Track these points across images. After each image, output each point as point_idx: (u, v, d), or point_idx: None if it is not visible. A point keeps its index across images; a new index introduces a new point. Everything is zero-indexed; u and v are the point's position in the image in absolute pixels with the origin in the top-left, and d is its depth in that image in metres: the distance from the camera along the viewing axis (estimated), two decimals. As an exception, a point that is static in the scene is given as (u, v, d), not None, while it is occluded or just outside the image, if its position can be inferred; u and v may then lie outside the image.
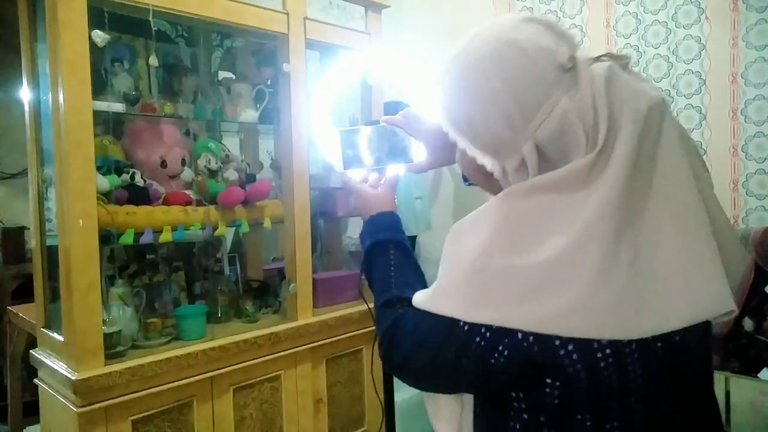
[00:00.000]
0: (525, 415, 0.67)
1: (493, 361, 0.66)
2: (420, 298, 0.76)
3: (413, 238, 2.79)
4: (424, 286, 0.87)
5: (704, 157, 2.35)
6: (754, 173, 2.16)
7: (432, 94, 0.79)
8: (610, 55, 0.69)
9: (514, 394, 0.67)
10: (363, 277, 0.98)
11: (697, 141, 2.27)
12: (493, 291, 0.66)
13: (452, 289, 0.71)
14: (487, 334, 0.66)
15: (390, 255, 0.92)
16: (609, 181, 0.63)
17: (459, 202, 3.04)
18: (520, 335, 0.64)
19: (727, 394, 1.74)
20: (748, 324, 1.91)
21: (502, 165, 0.71)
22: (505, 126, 0.68)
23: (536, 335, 0.63)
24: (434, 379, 0.76)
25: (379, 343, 0.84)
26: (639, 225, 0.64)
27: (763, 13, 2.11)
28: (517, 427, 0.67)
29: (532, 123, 0.67)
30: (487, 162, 0.73)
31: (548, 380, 0.64)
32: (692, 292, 0.64)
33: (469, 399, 0.77)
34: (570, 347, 0.62)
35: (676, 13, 2.30)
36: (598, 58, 0.68)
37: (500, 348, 0.65)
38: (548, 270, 0.62)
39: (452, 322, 0.69)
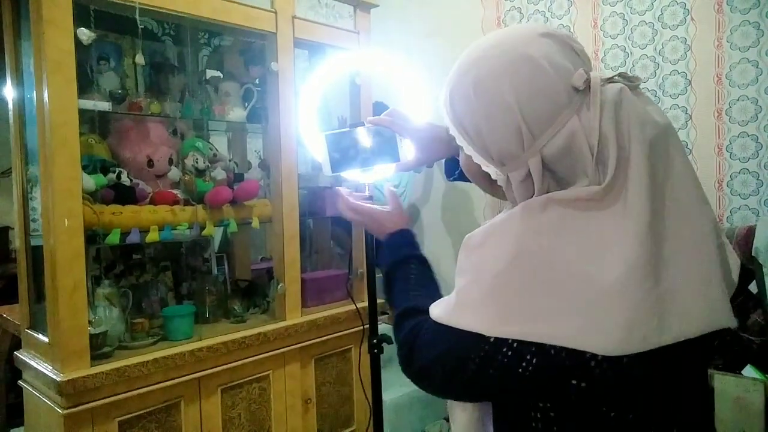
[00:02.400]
0: (548, 413, 0.68)
1: (520, 370, 0.66)
2: (439, 312, 0.76)
3: None
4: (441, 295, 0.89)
5: (690, 157, 2.37)
6: (738, 173, 2.18)
7: (439, 94, 0.78)
8: (622, 76, 0.69)
9: (537, 396, 0.68)
10: (359, 277, 0.98)
11: (683, 141, 2.29)
12: (521, 305, 0.66)
13: (475, 303, 0.70)
14: (515, 345, 0.66)
15: (411, 268, 0.93)
16: (636, 208, 0.64)
17: (448, 201, 3.05)
18: (550, 348, 0.64)
19: (712, 390, 1.77)
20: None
21: (507, 175, 0.72)
22: (513, 140, 0.69)
23: (568, 348, 0.64)
24: (455, 388, 0.76)
25: (398, 352, 0.84)
26: (664, 246, 0.65)
27: (746, 15, 2.13)
28: (539, 420, 0.68)
29: (540, 139, 0.68)
30: (492, 171, 0.74)
31: (573, 381, 0.64)
32: (704, 307, 0.66)
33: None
34: (600, 357, 0.63)
35: (662, 14, 2.32)
36: (610, 79, 0.69)
37: (528, 357, 0.65)
38: (584, 289, 0.63)
39: (476, 336, 0.68)
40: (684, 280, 0.65)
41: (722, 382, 1.77)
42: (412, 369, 0.80)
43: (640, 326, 0.62)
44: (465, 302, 0.71)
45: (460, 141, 0.76)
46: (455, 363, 0.71)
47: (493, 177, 0.74)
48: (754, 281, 1.87)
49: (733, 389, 1.76)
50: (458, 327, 0.71)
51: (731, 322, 0.68)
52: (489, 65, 0.71)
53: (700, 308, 0.65)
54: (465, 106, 0.73)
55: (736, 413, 1.74)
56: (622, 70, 2.42)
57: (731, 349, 1.88)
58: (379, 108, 2.37)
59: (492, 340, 0.67)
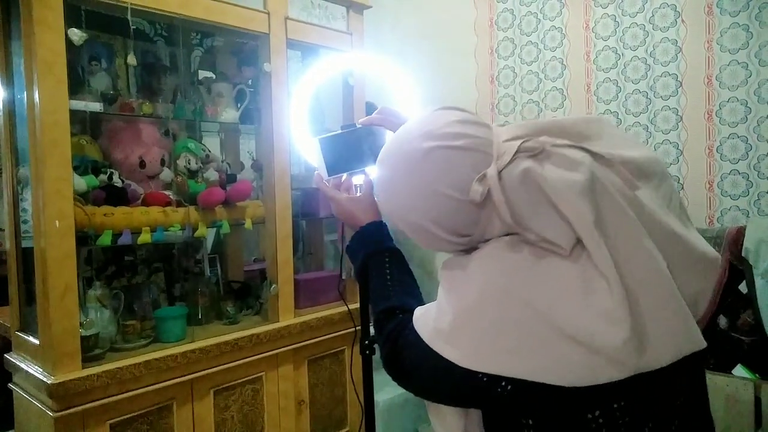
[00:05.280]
0: (535, 420, 0.68)
1: (499, 390, 0.67)
2: (419, 326, 0.77)
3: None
4: (420, 292, 0.91)
5: (680, 158, 2.36)
6: (729, 174, 2.20)
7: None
8: (525, 145, 0.69)
9: (519, 412, 0.69)
10: (345, 278, 0.99)
11: (674, 142, 2.31)
12: (489, 342, 0.67)
13: (448, 333, 0.71)
14: (485, 378, 0.67)
15: (386, 264, 0.93)
16: (600, 262, 0.65)
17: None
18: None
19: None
20: (722, 322, 1.95)
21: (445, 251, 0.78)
22: (448, 244, 0.76)
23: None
24: (436, 396, 0.78)
25: (380, 351, 0.85)
26: (631, 284, 0.66)
27: (736, 17, 2.15)
28: (531, 427, 0.69)
29: (475, 235, 0.74)
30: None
31: (551, 401, 0.66)
32: (675, 335, 0.68)
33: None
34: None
35: (653, 16, 2.34)
36: (512, 159, 0.69)
37: (503, 384, 0.67)
38: (551, 330, 0.65)
39: (451, 362, 0.70)
40: (652, 319, 0.66)
41: (713, 382, 1.79)
42: (393, 370, 0.82)
43: (605, 367, 0.64)
44: (440, 328, 0.73)
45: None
46: (434, 377, 0.73)
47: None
48: (744, 281, 1.88)
49: (723, 388, 1.77)
50: (435, 350, 0.72)
51: (700, 345, 0.69)
52: (399, 188, 0.75)
53: (667, 343, 0.67)
54: (396, 211, 0.78)
55: (726, 412, 1.76)
56: (613, 71, 2.44)
57: (722, 348, 1.89)
58: (371, 108, 2.37)
59: (465, 368, 0.69)
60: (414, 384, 0.79)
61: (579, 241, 0.66)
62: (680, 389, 0.71)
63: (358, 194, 1.04)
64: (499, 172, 0.69)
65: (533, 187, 0.67)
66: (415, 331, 0.76)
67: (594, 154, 0.69)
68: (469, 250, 0.76)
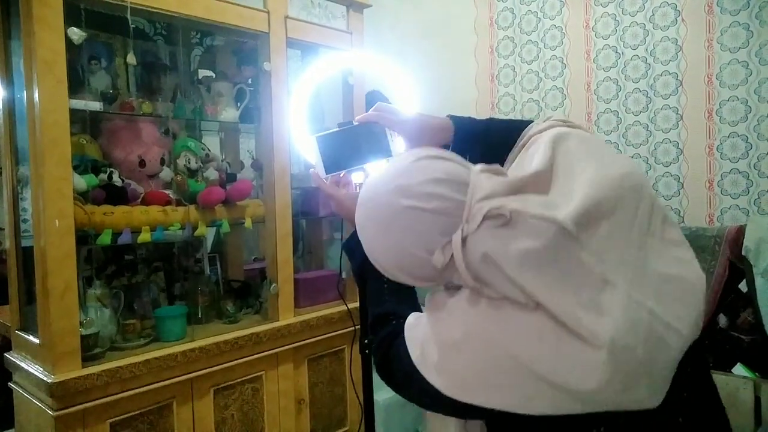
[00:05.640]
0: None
1: (484, 412, 0.71)
2: (410, 343, 0.78)
3: None
4: (416, 295, 0.92)
5: (681, 157, 2.35)
6: (729, 173, 2.20)
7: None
8: (491, 212, 0.69)
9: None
10: (345, 277, 1.00)
11: (674, 141, 2.31)
12: (471, 378, 0.71)
13: (434, 363, 0.74)
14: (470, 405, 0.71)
15: None
16: (570, 325, 0.67)
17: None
18: None
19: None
20: (722, 321, 1.95)
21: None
22: (416, 283, 0.78)
23: None
24: (428, 407, 0.80)
25: (374, 356, 0.87)
26: (612, 334, 0.67)
27: (736, 16, 2.15)
28: None
29: (438, 281, 0.76)
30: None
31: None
32: (661, 380, 0.71)
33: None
34: None
35: (653, 15, 2.34)
36: (480, 225, 0.69)
37: (487, 409, 0.70)
38: (525, 373, 0.67)
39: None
40: (633, 371, 0.68)
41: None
42: (385, 377, 0.84)
43: (581, 405, 0.67)
44: (427, 357, 0.75)
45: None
46: (421, 394, 0.76)
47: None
48: (744, 280, 1.88)
49: (723, 387, 1.77)
50: (421, 373, 0.75)
51: (651, 404, 0.69)
52: (370, 242, 0.77)
53: (622, 401, 0.68)
54: (375, 264, 0.80)
55: (726, 411, 1.76)
56: (613, 70, 2.43)
57: (721, 347, 1.89)
58: (373, 97, 2.36)
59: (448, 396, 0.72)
60: (404, 394, 0.82)
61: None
62: (683, 383, 0.72)
63: (358, 191, 1.04)
64: (464, 238, 0.69)
65: (492, 267, 0.68)
66: (405, 344, 0.78)
67: (561, 228, 0.67)
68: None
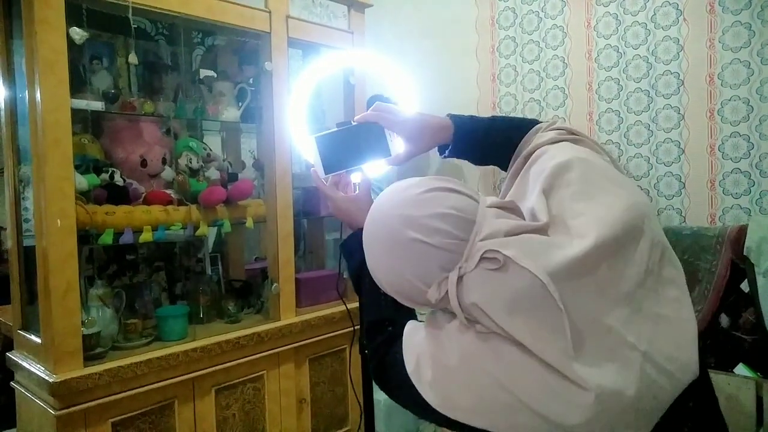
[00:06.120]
0: None
1: (476, 428, 0.72)
2: (406, 355, 0.79)
3: None
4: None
5: (682, 157, 2.35)
6: (731, 172, 2.20)
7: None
8: (488, 253, 0.69)
9: None
10: (346, 277, 1.00)
11: (675, 141, 2.31)
12: (463, 399, 0.72)
13: (429, 380, 0.75)
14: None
15: None
16: (547, 357, 0.68)
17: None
18: None
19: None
20: (724, 320, 1.95)
21: None
22: (412, 305, 0.79)
23: None
24: (420, 416, 0.82)
25: (369, 361, 0.88)
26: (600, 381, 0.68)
27: (738, 16, 2.15)
28: None
29: (434, 306, 0.76)
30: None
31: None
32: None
33: None
34: None
35: (655, 14, 2.33)
36: (478, 264, 0.69)
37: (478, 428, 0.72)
38: (535, 407, 0.68)
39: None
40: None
41: (714, 381, 1.78)
42: (380, 384, 0.85)
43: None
44: (421, 376, 0.76)
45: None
46: (415, 405, 0.77)
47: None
48: (746, 280, 1.88)
49: (724, 387, 1.77)
50: (416, 387, 0.76)
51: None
52: (372, 263, 0.78)
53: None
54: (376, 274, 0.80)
55: (727, 411, 1.75)
56: (615, 69, 2.43)
57: (723, 347, 1.89)
58: (375, 101, 2.36)
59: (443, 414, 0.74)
60: (399, 401, 0.83)
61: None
62: (692, 392, 0.72)
63: (356, 192, 1.04)
64: (460, 276, 0.70)
65: (482, 313, 0.69)
66: (402, 353, 0.79)
67: (551, 273, 0.68)
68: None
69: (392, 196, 0.77)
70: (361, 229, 0.98)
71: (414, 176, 0.80)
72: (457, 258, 0.70)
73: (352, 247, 0.98)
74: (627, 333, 0.68)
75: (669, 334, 0.71)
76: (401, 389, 0.78)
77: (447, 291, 0.70)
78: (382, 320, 0.87)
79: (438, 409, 0.73)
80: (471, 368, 0.71)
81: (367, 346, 0.89)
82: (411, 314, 0.87)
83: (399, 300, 0.78)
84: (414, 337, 0.80)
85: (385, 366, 0.82)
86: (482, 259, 0.68)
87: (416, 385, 0.76)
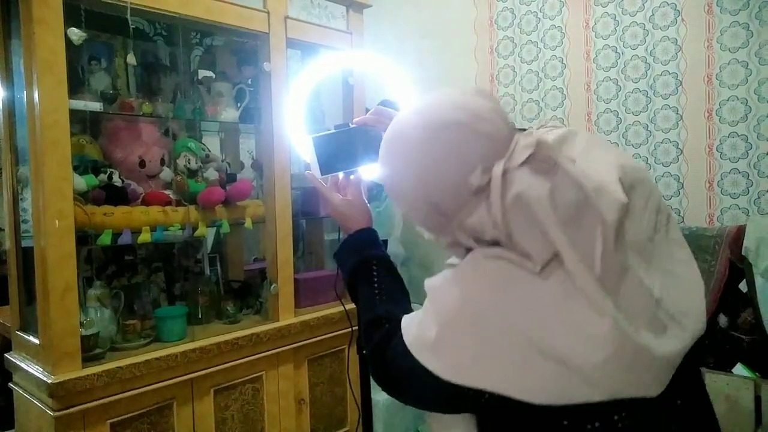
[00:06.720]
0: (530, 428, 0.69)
1: (483, 401, 0.68)
2: (408, 338, 0.77)
3: (384, 242, 2.78)
4: (410, 300, 0.91)
5: (680, 157, 2.36)
6: (729, 172, 2.20)
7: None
8: (536, 153, 0.69)
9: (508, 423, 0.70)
10: (346, 290, 0.99)
11: (674, 141, 2.31)
12: (468, 356, 0.69)
13: (431, 346, 0.72)
14: (470, 392, 0.69)
15: (373, 272, 0.93)
16: (581, 283, 0.65)
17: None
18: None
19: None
20: (722, 321, 1.95)
21: (437, 238, 0.79)
22: (430, 219, 0.76)
23: None
24: (427, 405, 0.79)
25: (369, 362, 0.85)
26: (619, 303, 0.66)
27: (736, 16, 2.15)
28: None
29: (454, 221, 0.73)
30: (423, 232, 0.79)
31: (548, 410, 0.66)
32: (623, 379, 0.67)
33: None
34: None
35: (653, 15, 2.34)
36: (524, 162, 0.68)
37: (486, 396, 0.68)
38: (525, 347, 0.65)
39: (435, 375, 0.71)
40: (637, 343, 0.65)
41: (713, 381, 1.79)
42: (383, 382, 0.82)
43: (581, 388, 0.65)
44: (424, 338, 0.73)
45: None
46: (422, 387, 0.74)
47: (426, 237, 0.80)
48: (744, 280, 1.88)
49: (723, 387, 1.77)
50: (419, 360, 0.73)
51: (654, 392, 0.68)
52: (402, 151, 0.75)
53: (626, 381, 0.66)
54: (389, 179, 0.79)
55: (726, 411, 1.76)
56: (613, 70, 2.44)
57: (722, 347, 1.89)
58: (383, 106, 2.36)
59: (448, 381, 0.70)
60: (405, 394, 0.80)
61: (555, 257, 0.66)
62: (678, 390, 0.71)
63: (350, 195, 1.03)
64: (504, 171, 0.68)
65: (522, 209, 0.67)
66: (403, 342, 0.77)
67: (594, 189, 0.68)
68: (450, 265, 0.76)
69: (437, 95, 0.77)
70: (354, 231, 0.99)
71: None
72: (500, 152, 0.70)
73: (345, 254, 0.98)
74: (643, 276, 0.68)
75: (679, 289, 0.71)
76: (405, 380, 0.76)
77: (490, 180, 0.68)
78: (378, 318, 0.86)
79: (443, 375, 0.69)
80: (478, 309, 0.68)
81: (365, 347, 0.87)
82: (407, 310, 0.86)
83: (420, 217, 0.76)
84: (414, 318, 0.78)
85: (386, 361, 0.80)
86: (530, 159, 0.68)
87: (418, 356, 0.72)
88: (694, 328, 0.70)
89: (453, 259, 0.79)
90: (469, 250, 0.74)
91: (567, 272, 0.65)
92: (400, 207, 0.80)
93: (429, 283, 0.76)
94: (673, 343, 0.68)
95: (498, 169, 0.68)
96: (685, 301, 0.71)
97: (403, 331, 0.78)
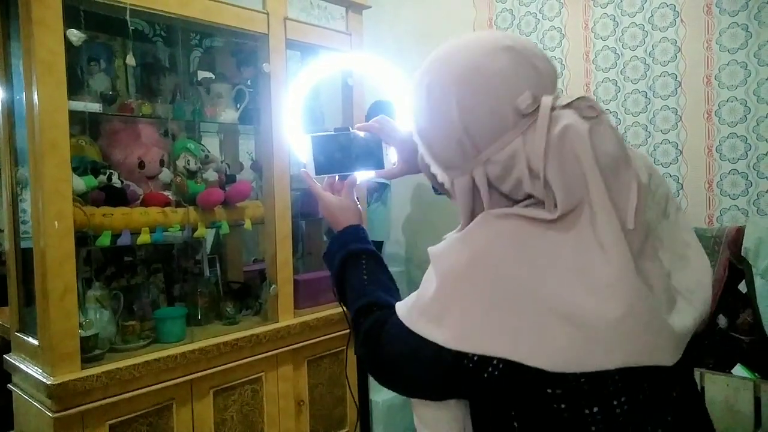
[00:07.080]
0: (526, 414, 0.66)
1: (486, 375, 0.65)
2: (403, 313, 0.74)
3: (379, 244, 2.78)
4: (398, 292, 0.88)
5: (680, 158, 2.35)
6: (728, 173, 2.20)
7: (406, 92, 0.80)
8: (580, 103, 0.67)
9: (510, 401, 0.67)
10: (334, 288, 0.97)
11: (673, 142, 2.31)
12: (476, 321, 0.65)
13: (435, 313, 0.69)
14: (476, 357, 0.65)
15: (362, 264, 0.91)
16: (609, 237, 0.63)
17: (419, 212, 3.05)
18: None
19: (702, 390, 1.78)
20: (722, 321, 1.95)
21: (452, 179, 0.73)
22: (455, 151, 0.71)
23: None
24: (422, 388, 0.75)
25: (359, 349, 0.83)
26: (639, 275, 0.64)
27: (735, 17, 2.15)
28: (516, 426, 0.67)
29: (483, 154, 0.69)
30: (438, 173, 0.75)
31: (548, 390, 0.63)
32: (646, 344, 0.65)
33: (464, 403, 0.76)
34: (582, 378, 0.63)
35: (652, 16, 2.34)
36: (569, 104, 0.67)
37: (494, 363, 0.64)
38: (538, 308, 0.63)
39: (438, 345, 0.68)
40: (639, 313, 0.63)
41: (712, 381, 1.79)
42: (376, 369, 0.79)
43: (593, 351, 0.61)
44: (426, 310, 0.70)
45: (414, 136, 0.78)
46: (420, 365, 0.71)
47: (439, 180, 0.76)
48: (744, 281, 1.88)
49: (723, 388, 1.77)
50: (420, 334, 0.70)
51: (668, 361, 0.65)
52: (441, 74, 0.72)
53: (643, 343, 0.63)
54: (418, 107, 0.76)
55: (725, 412, 1.76)
56: (612, 71, 2.44)
57: (721, 348, 1.89)
58: (378, 107, 2.36)
59: (453, 351, 0.67)
60: (397, 381, 0.77)
61: (576, 208, 0.64)
62: (675, 381, 0.71)
63: (342, 195, 1.03)
64: (552, 108, 0.66)
65: (569, 140, 0.65)
66: (397, 325, 0.74)
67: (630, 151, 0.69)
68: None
69: (487, 31, 0.76)
70: (343, 228, 0.98)
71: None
72: (549, 88, 0.69)
73: (333, 250, 0.97)
74: (657, 248, 0.68)
75: (687, 270, 0.71)
76: (399, 363, 0.74)
77: (537, 110, 0.66)
78: (368, 305, 0.83)
79: (448, 344, 0.66)
80: (486, 265, 0.65)
81: (355, 335, 0.83)
82: (397, 297, 0.84)
83: (454, 151, 0.71)
84: (409, 297, 0.75)
85: (379, 346, 0.77)
86: (578, 101, 0.66)
87: (417, 329, 0.69)
88: (702, 308, 0.69)
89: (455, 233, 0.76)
90: (473, 216, 0.72)
91: (593, 219, 0.63)
92: (425, 141, 0.75)
93: (433, 249, 0.73)
94: (683, 317, 0.67)
95: (547, 101, 0.66)
96: (692, 282, 0.71)
97: (398, 310, 0.75)
